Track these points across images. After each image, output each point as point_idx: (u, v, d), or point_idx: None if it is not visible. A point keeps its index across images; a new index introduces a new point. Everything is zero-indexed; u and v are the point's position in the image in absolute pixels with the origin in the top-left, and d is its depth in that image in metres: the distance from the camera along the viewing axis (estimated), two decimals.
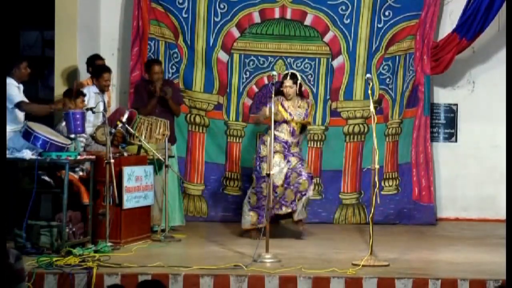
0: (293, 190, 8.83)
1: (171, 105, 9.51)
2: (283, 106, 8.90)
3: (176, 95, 9.68)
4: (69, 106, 8.63)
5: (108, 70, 9.57)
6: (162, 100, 9.46)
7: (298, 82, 8.99)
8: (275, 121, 8.63)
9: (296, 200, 8.85)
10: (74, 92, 8.93)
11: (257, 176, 8.97)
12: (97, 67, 9.69)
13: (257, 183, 8.95)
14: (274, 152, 8.77)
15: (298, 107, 8.96)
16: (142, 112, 9.28)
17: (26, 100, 8.57)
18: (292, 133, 8.95)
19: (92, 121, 9.10)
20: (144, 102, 9.52)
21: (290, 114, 8.92)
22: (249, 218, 9.03)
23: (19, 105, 8.36)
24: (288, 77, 8.98)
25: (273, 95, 8.18)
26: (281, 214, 8.95)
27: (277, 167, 8.77)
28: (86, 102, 9.05)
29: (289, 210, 8.88)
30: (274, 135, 8.69)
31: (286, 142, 8.92)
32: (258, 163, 8.98)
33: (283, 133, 8.92)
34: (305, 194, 8.86)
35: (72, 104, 8.76)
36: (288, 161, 8.90)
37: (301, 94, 9.13)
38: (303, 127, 9.11)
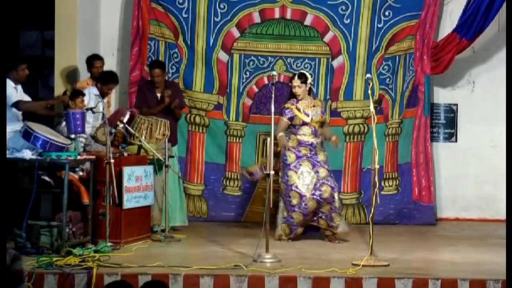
0: (331, 206, 8.79)
1: (175, 112, 9.51)
2: (298, 109, 8.86)
3: (179, 98, 9.67)
4: (65, 101, 8.61)
5: (116, 81, 9.54)
6: (167, 107, 9.47)
7: (308, 82, 8.93)
8: (294, 125, 8.91)
9: (333, 215, 8.81)
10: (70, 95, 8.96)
11: (285, 186, 8.85)
12: (107, 74, 9.60)
13: (285, 193, 8.84)
14: (301, 157, 8.81)
15: (313, 106, 8.90)
16: (144, 113, 9.28)
17: (25, 99, 8.57)
18: (315, 134, 8.89)
19: (91, 122, 9.09)
20: (148, 103, 9.51)
21: (308, 115, 8.88)
22: (280, 230, 8.87)
23: (17, 105, 8.36)
24: (296, 77, 8.93)
25: (273, 99, 8.04)
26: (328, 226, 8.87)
27: (306, 175, 8.76)
28: (86, 103, 9.05)
29: (326, 227, 8.89)
30: (298, 139, 8.86)
31: (311, 144, 8.88)
32: (285, 171, 8.82)
33: (306, 135, 8.88)
34: (338, 211, 8.89)
35: (72, 103, 8.76)
36: (317, 171, 8.81)
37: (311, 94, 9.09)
38: (321, 125, 9.03)
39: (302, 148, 8.86)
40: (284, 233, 8.85)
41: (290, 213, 8.80)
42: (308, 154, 8.86)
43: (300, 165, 8.81)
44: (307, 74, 9.03)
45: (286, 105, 8.96)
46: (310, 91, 9.04)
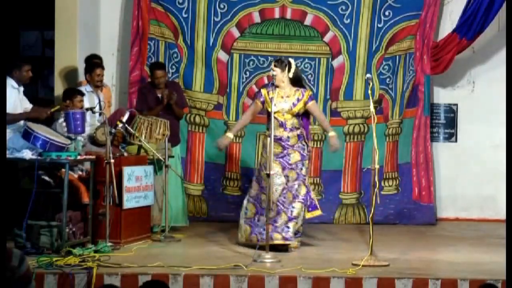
0: (287, 213, 8.18)
1: (175, 109, 9.50)
2: (269, 97, 8.15)
3: (180, 98, 9.65)
4: (45, 115, 8.54)
5: (100, 65, 9.57)
6: (167, 105, 9.45)
7: (290, 69, 8.26)
8: (268, 118, 8.17)
9: (290, 227, 8.15)
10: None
11: (260, 185, 8.34)
12: (89, 63, 9.68)
13: (258, 193, 8.34)
14: (275, 157, 8.16)
15: (287, 96, 8.23)
16: (145, 115, 9.28)
17: (24, 102, 8.55)
18: (284, 127, 8.22)
19: (89, 121, 9.05)
20: (148, 104, 9.50)
21: (275, 105, 8.03)
22: (242, 232, 8.37)
23: None
24: (274, 62, 8.40)
25: (273, 99, 7.93)
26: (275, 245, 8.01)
27: (276, 177, 8.12)
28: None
29: (282, 242, 8.08)
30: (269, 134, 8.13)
31: (280, 139, 8.19)
32: (261, 170, 8.30)
33: (275, 129, 8.06)
34: (295, 219, 8.20)
35: (70, 103, 8.73)
36: (286, 176, 8.21)
37: (299, 84, 8.37)
38: (306, 116, 8.42)
39: (274, 145, 8.04)
40: (245, 237, 8.31)
41: (258, 215, 8.27)
42: (280, 154, 8.21)
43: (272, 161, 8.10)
44: (291, 62, 8.36)
45: (262, 89, 8.52)
46: (297, 83, 8.33)
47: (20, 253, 5.05)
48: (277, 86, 8.28)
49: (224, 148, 8.68)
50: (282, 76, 8.26)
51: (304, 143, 8.32)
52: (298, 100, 8.28)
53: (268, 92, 8.31)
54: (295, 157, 8.28)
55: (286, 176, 8.24)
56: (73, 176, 8.29)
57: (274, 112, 8.02)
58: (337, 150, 8.61)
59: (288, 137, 8.27)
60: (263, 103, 8.41)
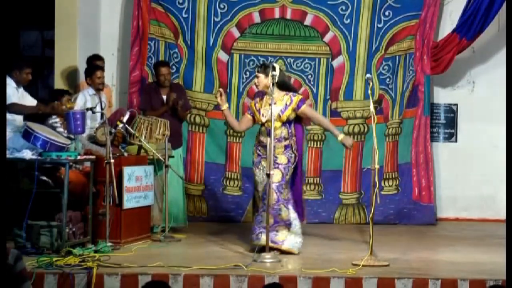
0: (273, 214, 7.88)
1: (180, 113, 9.52)
2: (257, 109, 8.11)
3: (184, 101, 9.66)
4: (58, 107, 8.55)
5: (100, 68, 9.55)
6: (172, 108, 9.46)
7: (274, 74, 7.85)
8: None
9: (279, 229, 7.97)
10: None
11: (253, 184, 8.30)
12: (90, 66, 9.66)
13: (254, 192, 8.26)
14: (261, 158, 8.07)
15: (274, 103, 7.87)
16: (148, 115, 9.27)
17: (27, 99, 8.55)
18: (268, 135, 7.85)
19: (89, 124, 9.01)
20: (152, 106, 9.50)
21: (263, 116, 7.99)
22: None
23: (8, 107, 8.23)
24: (257, 68, 8.12)
25: (273, 99, 7.87)
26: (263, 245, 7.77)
27: (260, 176, 8.03)
28: (82, 104, 9.02)
29: (270, 244, 7.78)
30: (259, 139, 8.13)
31: (265, 147, 7.90)
32: (253, 169, 8.22)
33: (262, 135, 8.06)
34: (289, 224, 8.00)
35: (59, 105, 8.70)
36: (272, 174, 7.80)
37: (287, 88, 8.14)
38: (298, 120, 8.19)
39: (261, 148, 8.04)
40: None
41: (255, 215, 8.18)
42: (264, 154, 7.94)
43: (260, 162, 8.08)
44: (275, 66, 8.02)
45: (250, 102, 8.43)
46: (283, 87, 8.08)
47: (17, 253, 5.07)
48: (265, 93, 8.08)
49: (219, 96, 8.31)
50: (266, 81, 7.96)
51: (291, 152, 8.07)
52: (286, 106, 8.02)
53: (255, 104, 8.18)
54: (282, 160, 8.04)
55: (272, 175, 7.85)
56: (73, 174, 8.26)
57: (264, 122, 7.96)
58: (352, 146, 8.28)
59: (274, 146, 7.94)
60: (252, 115, 8.22)
